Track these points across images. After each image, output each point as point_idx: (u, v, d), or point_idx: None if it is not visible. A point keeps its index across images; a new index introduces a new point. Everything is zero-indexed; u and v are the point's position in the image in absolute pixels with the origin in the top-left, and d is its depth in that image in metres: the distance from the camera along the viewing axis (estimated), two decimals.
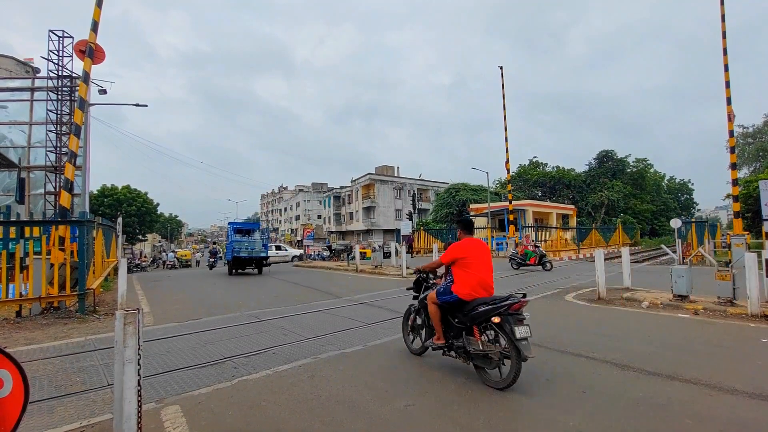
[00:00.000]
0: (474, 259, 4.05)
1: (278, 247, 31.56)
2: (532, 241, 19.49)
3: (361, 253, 20.29)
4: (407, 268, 14.45)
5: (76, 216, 11.58)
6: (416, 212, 36.08)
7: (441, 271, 4.63)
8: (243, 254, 16.71)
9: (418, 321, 4.80)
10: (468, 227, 4.40)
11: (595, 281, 8.88)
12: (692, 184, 62.60)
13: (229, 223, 19.83)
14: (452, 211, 41.51)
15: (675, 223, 14.96)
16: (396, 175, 61.56)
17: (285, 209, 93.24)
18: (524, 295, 3.80)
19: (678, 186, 62.30)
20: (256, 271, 17.95)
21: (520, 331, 3.52)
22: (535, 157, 56.90)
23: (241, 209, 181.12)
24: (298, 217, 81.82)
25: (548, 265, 15.60)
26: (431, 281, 4.82)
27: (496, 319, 3.64)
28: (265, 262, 18.15)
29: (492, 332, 3.76)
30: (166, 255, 35.28)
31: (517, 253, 16.65)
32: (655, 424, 3.00)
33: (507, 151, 25.69)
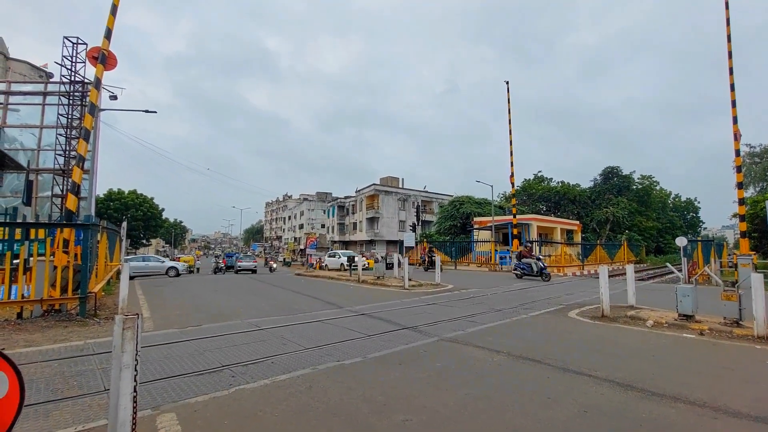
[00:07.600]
0: None
1: (145, 259, 25.70)
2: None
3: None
4: (409, 280, 14.37)
5: (81, 219, 11.67)
6: (420, 224, 36.03)
7: None
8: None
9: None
10: None
11: (599, 298, 8.78)
12: (698, 202, 62.20)
13: (226, 254, 39.82)
14: (456, 224, 41.36)
15: (681, 241, 14.81)
16: (400, 186, 61.71)
17: (289, 218, 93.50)
18: None
19: (684, 204, 61.87)
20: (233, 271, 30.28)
21: None
22: (540, 171, 56.93)
23: (246, 217, 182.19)
24: (301, 226, 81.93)
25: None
26: None
27: None
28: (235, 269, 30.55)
29: None
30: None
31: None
32: None
33: (512, 165, 25.75)
